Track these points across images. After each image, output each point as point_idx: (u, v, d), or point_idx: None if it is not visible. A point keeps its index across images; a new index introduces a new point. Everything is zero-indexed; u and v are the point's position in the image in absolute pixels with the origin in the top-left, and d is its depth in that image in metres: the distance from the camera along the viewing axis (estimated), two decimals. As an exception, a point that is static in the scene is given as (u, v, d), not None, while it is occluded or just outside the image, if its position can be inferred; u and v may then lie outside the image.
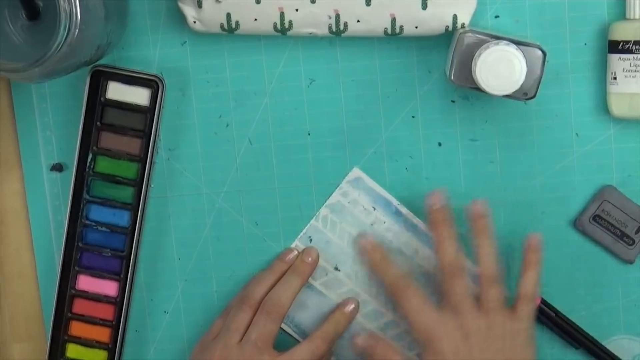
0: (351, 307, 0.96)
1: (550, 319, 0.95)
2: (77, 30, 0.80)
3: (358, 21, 0.90)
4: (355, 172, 0.95)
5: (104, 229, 0.96)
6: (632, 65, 0.89)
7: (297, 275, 0.95)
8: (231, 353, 0.92)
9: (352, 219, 0.96)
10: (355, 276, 0.97)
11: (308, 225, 0.97)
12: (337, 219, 0.96)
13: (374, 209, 0.96)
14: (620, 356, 0.96)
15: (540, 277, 0.93)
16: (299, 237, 0.97)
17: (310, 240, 0.97)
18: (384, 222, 0.96)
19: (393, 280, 0.93)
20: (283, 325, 0.97)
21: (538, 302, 0.95)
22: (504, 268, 0.94)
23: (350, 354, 0.98)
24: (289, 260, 0.96)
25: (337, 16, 0.90)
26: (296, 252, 0.96)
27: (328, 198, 0.96)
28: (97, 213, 0.96)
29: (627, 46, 0.89)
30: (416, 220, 0.96)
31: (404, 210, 0.96)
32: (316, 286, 0.97)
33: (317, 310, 0.97)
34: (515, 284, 0.93)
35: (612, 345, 0.97)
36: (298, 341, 0.96)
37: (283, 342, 0.96)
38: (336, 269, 0.97)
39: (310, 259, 0.95)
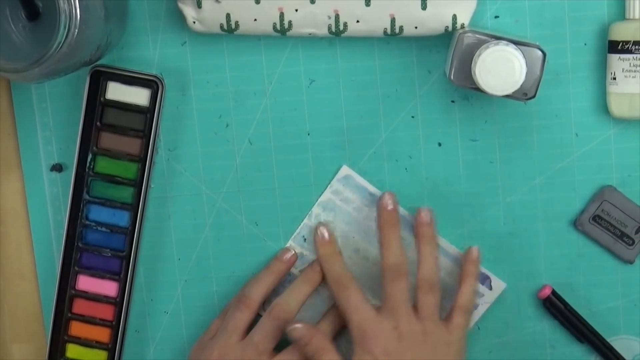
0: (315, 277, 0.96)
1: (559, 310, 0.95)
2: (77, 30, 0.80)
3: (358, 21, 0.90)
4: (345, 169, 0.96)
5: (104, 229, 0.96)
6: (631, 65, 0.89)
7: (306, 283, 0.95)
8: (229, 352, 0.92)
9: (344, 216, 0.96)
10: (351, 273, 0.97)
11: (301, 224, 0.97)
12: (329, 217, 0.96)
13: (366, 206, 0.96)
14: (620, 356, 0.96)
15: (476, 290, 0.94)
16: (292, 236, 0.97)
17: (304, 239, 0.97)
18: (373, 220, 0.96)
19: (337, 276, 0.93)
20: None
21: (549, 292, 0.95)
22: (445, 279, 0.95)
23: (348, 352, 0.98)
24: (286, 260, 0.96)
25: (337, 16, 0.90)
26: (293, 252, 0.96)
27: (317, 197, 0.96)
28: (97, 213, 0.96)
29: (626, 46, 0.89)
30: (408, 216, 0.96)
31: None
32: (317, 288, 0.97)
33: (314, 308, 0.97)
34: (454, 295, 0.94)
35: (612, 345, 0.97)
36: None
37: (281, 342, 0.95)
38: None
39: (319, 268, 0.96)
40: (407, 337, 0.90)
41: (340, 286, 0.93)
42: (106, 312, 0.97)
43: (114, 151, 0.95)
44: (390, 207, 0.93)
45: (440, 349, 0.91)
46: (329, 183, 0.96)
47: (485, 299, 0.96)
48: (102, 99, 0.94)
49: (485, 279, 0.96)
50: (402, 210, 0.96)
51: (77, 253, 0.96)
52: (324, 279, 0.96)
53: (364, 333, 0.91)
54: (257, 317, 0.94)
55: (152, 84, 0.94)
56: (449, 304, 0.94)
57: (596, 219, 0.94)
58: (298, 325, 0.92)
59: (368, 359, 0.90)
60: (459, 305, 0.93)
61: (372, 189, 0.96)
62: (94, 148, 0.95)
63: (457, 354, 0.92)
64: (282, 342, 0.95)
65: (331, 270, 0.94)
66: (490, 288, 0.97)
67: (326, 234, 0.95)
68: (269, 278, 0.95)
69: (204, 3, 0.90)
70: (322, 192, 0.96)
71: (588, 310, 0.96)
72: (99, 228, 0.96)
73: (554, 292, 0.95)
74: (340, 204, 0.96)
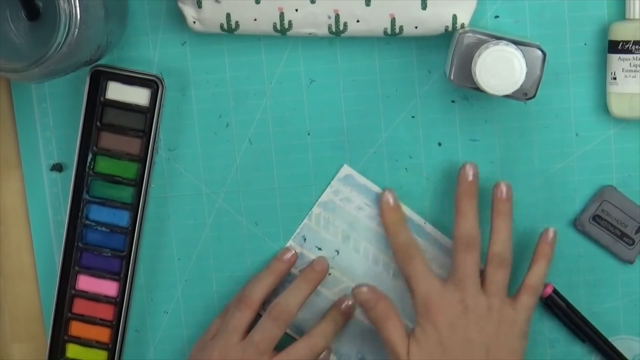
0: (348, 304, 0.96)
1: (560, 309, 0.95)
2: (77, 30, 0.80)
3: (358, 21, 0.90)
4: (345, 169, 0.96)
5: (104, 229, 0.96)
6: (631, 65, 0.89)
7: (307, 283, 0.94)
8: (230, 352, 0.92)
9: (345, 216, 0.96)
10: (350, 273, 0.97)
11: (301, 224, 0.97)
12: (330, 217, 0.96)
13: (367, 205, 0.96)
14: (620, 356, 0.97)
15: (548, 272, 0.93)
16: (293, 236, 0.97)
17: (305, 239, 0.97)
18: (377, 218, 0.96)
19: (403, 245, 0.93)
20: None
21: (550, 290, 0.95)
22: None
23: (350, 352, 0.98)
24: (286, 260, 0.96)
25: (337, 16, 0.90)
26: (294, 251, 0.96)
27: (317, 197, 0.96)
28: (97, 213, 0.96)
29: (627, 46, 0.89)
30: (410, 214, 0.95)
31: None
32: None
33: (314, 309, 0.97)
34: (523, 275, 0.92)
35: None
36: (295, 339, 0.96)
37: (281, 340, 0.95)
38: (331, 267, 0.97)
39: (319, 267, 0.95)
40: (473, 311, 0.89)
41: (407, 255, 0.92)
42: (106, 312, 0.97)
43: (114, 151, 0.95)
44: (470, 177, 0.92)
45: (504, 327, 0.90)
46: (329, 183, 0.96)
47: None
48: (102, 98, 0.94)
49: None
50: (408, 212, 0.95)
51: (77, 253, 0.96)
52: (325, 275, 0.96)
53: (429, 304, 0.90)
54: (257, 317, 0.94)
55: (152, 83, 0.94)
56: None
57: (596, 219, 0.94)
58: (364, 289, 0.92)
59: (431, 330, 0.89)
60: (529, 285, 0.91)
61: (374, 187, 0.96)
62: (94, 148, 0.95)
63: (520, 334, 0.91)
64: (283, 342, 0.95)
65: (397, 238, 0.93)
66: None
67: (391, 200, 0.94)
68: (269, 278, 0.95)
69: (204, 3, 0.90)
70: (322, 192, 0.96)
71: (588, 310, 0.96)
72: (99, 228, 0.96)
73: (555, 291, 0.95)
74: (341, 204, 0.96)
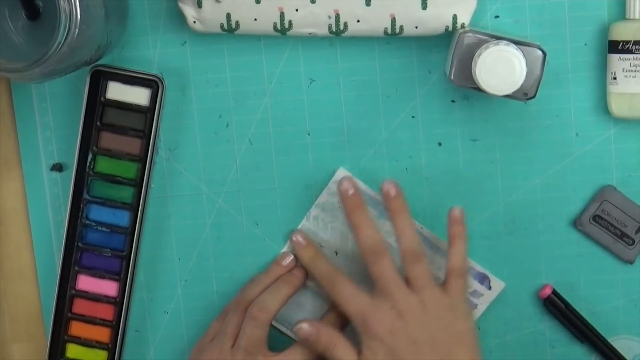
0: (296, 279, 0.96)
1: (559, 310, 0.95)
2: (77, 30, 0.80)
3: (358, 21, 0.90)
4: (341, 172, 0.95)
5: (104, 229, 0.96)
6: (632, 65, 0.89)
7: (286, 285, 0.95)
8: (226, 356, 0.92)
9: (342, 217, 0.96)
10: (349, 274, 0.97)
11: (299, 226, 0.97)
12: (327, 218, 0.96)
13: None
14: (620, 356, 0.97)
15: (467, 250, 0.92)
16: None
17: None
18: (374, 220, 0.96)
19: (324, 275, 0.93)
20: (279, 326, 0.98)
21: (549, 291, 0.95)
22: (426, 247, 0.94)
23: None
24: (286, 265, 0.96)
25: (337, 16, 0.90)
26: (292, 257, 0.96)
27: (317, 198, 0.96)
28: (97, 213, 0.96)
29: (627, 46, 0.89)
30: (375, 195, 0.96)
31: None
32: (311, 286, 0.97)
33: (313, 310, 0.97)
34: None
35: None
36: (294, 341, 0.96)
37: (280, 341, 0.96)
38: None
39: (299, 273, 0.96)
40: (407, 312, 0.90)
41: (329, 283, 0.93)
42: (106, 312, 0.97)
43: (114, 151, 0.95)
44: (350, 191, 0.93)
45: (444, 314, 0.90)
46: (327, 185, 0.96)
47: (485, 298, 0.96)
48: (102, 98, 0.94)
49: (484, 279, 0.96)
50: (370, 191, 0.95)
51: (77, 253, 0.96)
52: (305, 281, 0.96)
53: (365, 320, 0.90)
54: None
55: (152, 83, 0.94)
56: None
57: (596, 219, 0.94)
58: (303, 325, 0.92)
59: (375, 344, 0.89)
60: (452, 267, 0.91)
61: (369, 190, 0.96)
62: (94, 148, 0.95)
63: (462, 317, 0.91)
64: (280, 342, 0.95)
65: (317, 270, 0.94)
66: (490, 288, 0.97)
67: (301, 239, 0.95)
68: (268, 282, 0.95)
69: (204, 3, 0.90)
70: (321, 193, 0.96)
71: (588, 310, 0.96)
72: (99, 228, 0.96)
73: (554, 292, 0.95)
74: (338, 205, 0.96)
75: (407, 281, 0.91)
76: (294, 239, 0.96)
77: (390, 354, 0.89)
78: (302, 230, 0.96)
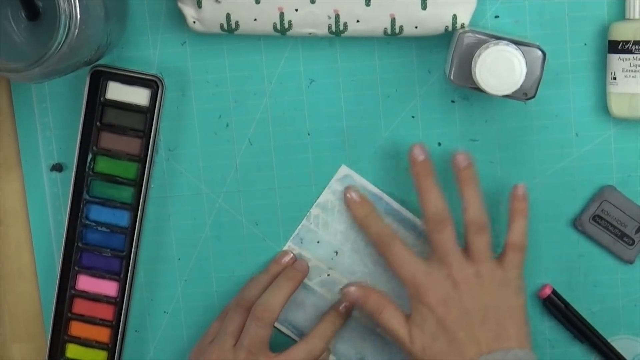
0: (346, 304, 0.96)
1: (559, 310, 0.95)
2: (77, 30, 0.80)
3: (358, 21, 0.90)
4: (344, 169, 0.95)
5: (103, 229, 0.96)
6: (631, 65, 0.89)
7: (288, 280, 0.94)
8: (227, 356, 0.92)
9: (343, 217, 0.96)
10: (350, 274, 0.97)
11: (300, 225, 0.97)
12: (328, 217, 0.96)
13: None
14: (620, 356, 0.97)
15: (528, 227, 0.92)
16: (291, 238, 0.97)
17: (302, 241, 0.96)
18: (383, 215, 0.96)
19: (378, 235, 0.93)
20: (279, 326, 0.97)
21: (549, 291, 0.95)
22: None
23: (350, 352, 0.98)
24: (285, 263, 0.96)
25: (337, 16, 0.90)
26: (292, 255, 0.96)
27: (317, 198, 0.96)
28: (97, 213, 0.96)
29: (626, 46, 0.89)
30: (407, 214, 0.95)
31: (394, 205, 0.96)
32: (311, 286, 0.97)
33: (313, 310, 0.97)
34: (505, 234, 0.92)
35: (612, 344, 0.97)
36: (295, 341, 0.96)
37: (280, 342, 0.96)
38: (330, 268, 0.97)
39: (300, 267, 0.96)
40: (462, 283, 0.89)
41: (384, 244, 0.92)
42: (106, 312, 0.97)
43: (114, 151, 0.95)
44: (421, 157, 0.92)
45: (497, 289, 0.90)
46: (328, 183, 0.96)
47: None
48: (102, 98, 0.94)
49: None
50: (395, 206, 0.95)
51: (77, 253, 0.96)
52: (306, 274, 0.96)
53: (418, 287, 0.90)
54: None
55: (152, 84, 0.94)
56: None
57: (596, 219, 0.94)
58: (351, 289, 0.92)
59: (426, 312, 0.89)
60: (511, 242, 0.91)
61: (372, 187, 0.96)
62: (94, 148, 0.95)
63: (515, 292, 0.91)
64: (280, 342, 0.95)
65: (371, 230, 0.93)
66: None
67: (355, 196, 0.94)
68: (268, 281, 0.95)
69: (204, 3, 0.90)
70: (322, 193, 0.96)
71: (588, 310, 0.96)
72: (99, 228, 0.96)
73: (554, 292, 0.95)
74: (339, 205, 0.96)
75: (467, 251, 0.91)
76: (348, 195, 0.95)
77: (440, 323, 0.89)
78: (355, 186, 0.95)
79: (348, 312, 0.96)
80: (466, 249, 0.91)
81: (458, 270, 0.90)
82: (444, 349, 0.89)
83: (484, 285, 0.90)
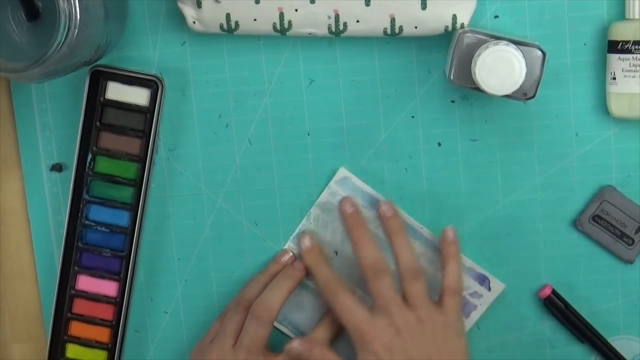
0: (297, 272, 0.96)
1: (559, 310, 0.95)
2: (76, 30, 0.80)
3: (357, 21, 0.90)
4: (342, 172, 0.95)
5: (103, 229, 0.96)
6: (631, 65, 0.89)
7: (286, 279, 0.94)
8: (227, 356, 0.92)
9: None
10: (349, 274, 0.97)
11: (300, 225, 0.97)
12: (328, 218, 0.96)
13: (363, 207, 0.96)
14: (620, 356, 0.96)
15: (461, 270, 0.94)
16: (291, 237, 0.97)
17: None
18: (375, 220, 0.96)
19: (325, 281, 0.93)
20: (279, 326, 0.98)
21: (549, 291, 0.95)
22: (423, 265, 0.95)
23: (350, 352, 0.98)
24: (284, 262, 0.96)
25: (337, 16, 0.90)
26: (291, 254, 0.96)
27: (317, 198, 0.96)
28: (97, 213, 0.96)
29: (626, 46, 0.89)
30: (406, 217, 0.95)
31: None
32: (312, 286, 0.97)
33: (313, 310, 0.97)
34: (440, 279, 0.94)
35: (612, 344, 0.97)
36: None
37: (280, 342, 0.95)
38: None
39: (299, 265, 0.96)
40: (405, 329, 0.91)
41: (330, 291, 0.93)
42: (106, 312, 0.97)
43: (113, 151, 0.95)
44: (350, 210, 0.94)
45: (439, 332, 0.91)
46: (328, 184, 0.96)
47: (484, 299, 0.96)
48: (102, 98, 0.94)
49: (484, 280, 0.96)
50: (405, 216, 0.95)
51: (77, 253, 0.96)
52: (306, 275, 0.96)
53: (362, 334, 0.91)
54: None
55: (152, 84, 0.94)
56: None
57: (596, 219, 0.94)
58: (294, 345, 0.92)
59: (372, 359, 0.90)
60: (447, 286, 0.93)
61: (370, 190, 0.96)
62: (94, 148, 0.95)
63: (456, 334, 0.92)
64: (279, 342, 0.95)
65: (319, 276, 0.94)
66: (489, 289, 0.97)
67: (307, 242, 0.96)
68: (267, 281, 0.95)
69: (203, 3, 0.90)
70: (321, 193, 0.96)
71: (588, 310, 0.96)
72: (99, 228, 0.96)
73: (554, 292, 0.95)
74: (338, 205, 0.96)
75: (405, 298, 0.92)
76: (300, 241, 0.96)
77: None
78: (311, 232, 0.96)
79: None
80: (404, 297, 0.92)
81: (399, 317, 0.91)
82: None
83: (426, 330, 0.91)
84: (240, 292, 0.96)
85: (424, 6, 0.89)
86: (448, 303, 0.92)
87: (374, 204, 0.96)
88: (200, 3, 0.90)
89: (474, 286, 0.96)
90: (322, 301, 0.97)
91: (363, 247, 0.93)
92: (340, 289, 0.93)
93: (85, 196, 0.96)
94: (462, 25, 0.90)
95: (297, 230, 0.97)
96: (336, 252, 0.97)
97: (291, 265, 0.96)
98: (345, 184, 0.96)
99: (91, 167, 0.95)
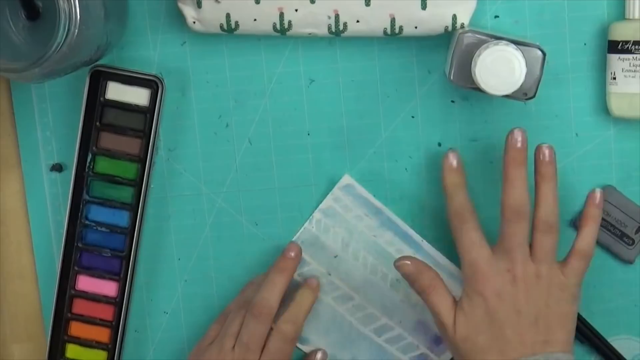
0: (314, 283, 0.95)
1: None
2: (76, 30, 0.80)
3: (357, 21, 0.90)
4: (346, 179, 0.95)
5: (103, 229, 0.96)
6: (631, 65, 0.89)
7: (280, 272, 0.94)
8: (226, 356, 0.91)
9: (344, 224, 0.96)
10: (349, 280, 0.97)
11: (302, 228, 0.96)
12: (330, 223, 0.96)
13: (366, 215, 0.96)
14: (620, 356, 0.96)
15: (597, 236, 0.91)
16: (293, 239, 0.97)
17: (303, 243, 0.96)
18: (376, 230, 0.96)
19: (459, 208, 0.91)
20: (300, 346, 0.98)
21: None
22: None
23: (343, 354, 0.98)
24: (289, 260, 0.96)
25: (337, 16, 0.90)
26: (293, 254, 0.95)
27: (321, 202, 0.96)
28: (97, 213, 0.96)
29: (626, 46, 0.89)
30: (407, 229, 0.95)
31: (394, 219, 0.96)
32: (298, 279, 0.97)
33: (313, 314, 0.97)
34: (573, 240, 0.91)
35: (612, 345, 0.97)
36: (298, 348, 0.97)
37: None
38: (328, 273, 0.97)
39: (292, 253, 0.95)
40: (521, 280, 0.88)
41: (461, 219, 0.90)
42: (106, 312, 0.97)
43: (113, 151, 0.95)
44: (519, 144, 0.89)
45: (553, 291, 0.88)
46: (330, 186, 0.96)
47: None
48: (102, 99, 0.94)
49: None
50: (395, 220, 0.95)
51: (77, 253, 0.96)
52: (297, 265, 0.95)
53: (476, 272, 0.88)
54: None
55: (152, 84, 0.94)
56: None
57: (596, 219, 0.94)
58: (407, 261, 0.90)
59: (478, 300, 0.88)
60: (578, 249, 0.90)
61: (372, 199, 0.96)
62: (94, 148, 0.95)
63: (570, 299, 0.89)
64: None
65: (454, 200, 0.91)
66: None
67: (454, 162, 0.92)
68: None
69: (203, 3, 0.90)
70: (323, 193, 0.96)
71: (588, 310, 0.96)
72: (99, 228, 0.96)
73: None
74: (341, 211, 0.96)
75: (532, 248, 0.89)
76: (449, 157, 0.91)
77: (488, 315, 0.88)
78: (457, 151, 0.93)
79: (317, 291, 0.96)
80: (532, 246, 0.89)
81: (521, 266, 0.88)
82: (487, 344, 0.88)
83: (541, 286, 0.88)
84: (241, 294, 0.95)
85: (424, 6, 0.89)
86: (573, 266, 0.89)
87: (376, 213, 0.95)
88: (200, 3, 0.90)
89: None
90: (319, 305, 0.96)
91: (514, 185, 0.88)
92: (472, 220, 0.90)
93: (85, 196, 0.96)
94: (462, 25, 0.90)
95: (298, 234, 0.97)
96: (335, 256, 0.97)
97: (283, 257, 0.95)
98: (349, 191, 0.95)
99: (91, 167, 0.95)
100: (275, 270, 0.94)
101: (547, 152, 0.89)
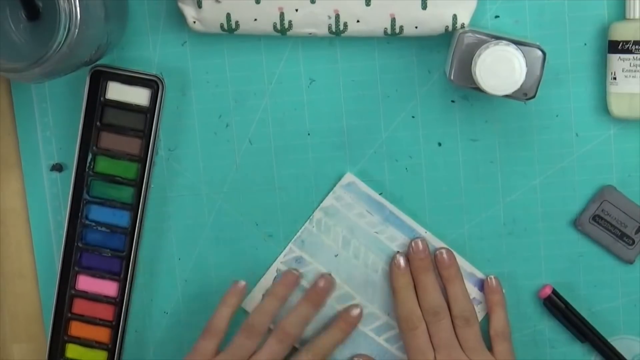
0: (353, 314, 0.96)
1: (559, 310, 0.95)
2: (77, 30, 0.80)
3: (358, 21, 0.90)
4: (348, 176, 0.95)
5: (103, 229, 0.96)
6: (631, 65, 0.89)
7: (311, 305, 0.95)
8: None
9: (346, 222, 0.96)
10: (349, 280, 0.97)
11: (302, 228, 0.96)
12: (331, 222, 0.96)
13: (369, 212, 0.96)
14: (620, 356, 0.96)
15: (507, 315, 0.95)
16: (293, 240, 0.97)
17: (303, 243, 0.96)
18: (378, 226, 0.96)
19: (408, 314, 0.94)
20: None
21: (549, 291, 0.95)
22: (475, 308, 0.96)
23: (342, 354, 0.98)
24: (290, 284, 0.95)
25: (337, 16, 0.90)
26: (296, 274, 0.96)
27: (322, 201, 0.96)
28: (97, 213, 0.96)
29: (626, 46, 0.89)
30: (411, 223, 0.95)
31: (398, 213, 0.96)
32: (305, 285, 0.97)
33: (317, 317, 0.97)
34: (487, 326, 0.95)
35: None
36: (295, 348, 0.96)
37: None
38: (329, 271, 0.97)
39: (324, 284, 0.95)
40: None
41: (410, 324, 0.94)
42: (106, 312, 0.97)
43: (114, 151, 0.95)
44: (422, 254, 0.94)
45: None
46: (331, 186, 0.96)
47: (483, 306, 0.96)
48: (102, 98, 0.94)
49: (483, 286, 0.96)
50: (398, 215, 0.95)
51: (77, 253, 0.96)
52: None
53: None
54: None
55: (152, 84, 0.94)
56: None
57: (596, 219, 0.94)
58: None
59: None
60: (496, 332, 0.95)
61: (375, 195, 0.96)
62: (94, 148, 0.95)
63: None
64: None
65: (405, 306, 0.95)
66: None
67: (402, 262, 0.95)
68: (276, 305, 0.94)
69: (204, 3, 0.90)
70: (323, 193, 0.96)
71: (588, 310, 0.96)
72: (99, 228, 0.96)
73: (554, 292, 0.95)
74: (342, 210, 0.96)
75: (460, 344, 0.94)
76: (397, 258, 0.95)
77: None
78: (402, 253, 0.96)
79: (354, 323, 0.96)
80: (459, 342, 0.94)
81: None
82: None
83: None
84: (250, 318, 0.94)
85: (424, 6, 0.89)
86: (500, 348, 0.94)
87: (379, 209, 0.95)
88: (201, 3, 0.90)
89: (474, 292, 0.96)
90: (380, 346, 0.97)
91: (427, 291, 0.94)
92: (420, 325, 0.94)
93: (86, 196, 0.96)
94: (462, 25, 0.90)
95: (299, 233, 0.97)
96: (336, 255, 0.97)
97: (314, 290, 0.95)
98: (351, 189, 0.95)
99: (91, 167, 0.95)
100: (305, 300, 0.95)
101: (445, 257, 0.95)
